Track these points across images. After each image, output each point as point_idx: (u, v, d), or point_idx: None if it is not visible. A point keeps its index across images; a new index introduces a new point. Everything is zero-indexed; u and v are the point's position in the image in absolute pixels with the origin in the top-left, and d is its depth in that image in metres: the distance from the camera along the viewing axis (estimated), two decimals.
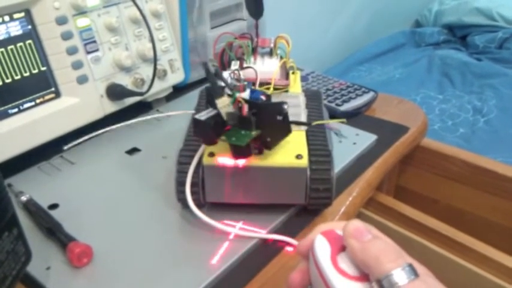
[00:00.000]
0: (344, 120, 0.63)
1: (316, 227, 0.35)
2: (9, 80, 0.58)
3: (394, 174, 0.82)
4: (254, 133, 0.46)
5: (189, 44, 0.78)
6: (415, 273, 0.28)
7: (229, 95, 0.46)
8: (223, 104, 0.45)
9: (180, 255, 0.48)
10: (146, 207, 0.54)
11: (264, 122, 0.46)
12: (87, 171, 0.62)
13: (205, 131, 0.46)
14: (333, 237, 0.33)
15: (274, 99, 0.53)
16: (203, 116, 0.46)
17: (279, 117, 0.45)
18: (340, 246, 0.32)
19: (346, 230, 0.32)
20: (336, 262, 0.31)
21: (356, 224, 0.32)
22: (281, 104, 0.45)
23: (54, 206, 0.55)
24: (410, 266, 0.29)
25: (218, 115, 0.46)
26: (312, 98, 0.62)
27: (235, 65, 0.58)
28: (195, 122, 0.46)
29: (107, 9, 0.65)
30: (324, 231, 0.34)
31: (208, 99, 0.50)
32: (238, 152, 0.47)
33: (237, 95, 0.46)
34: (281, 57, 0.61)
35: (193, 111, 0.58)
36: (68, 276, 0.46)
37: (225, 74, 0.49)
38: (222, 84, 0.47)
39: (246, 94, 0.48)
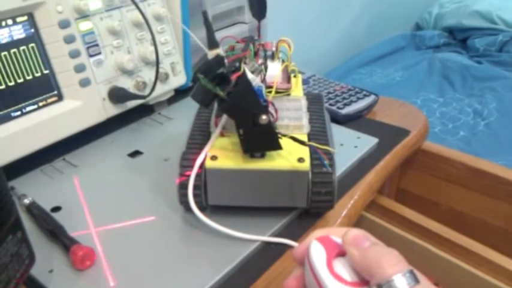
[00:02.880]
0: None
1: (311, 233, 0.35)
2: (12, 83, 0.58)
3: (395, 177, 0.82)
4: (220, 92, 0.45)
5: (190, 47, 0.78)
6: (415, 279, 0.28)
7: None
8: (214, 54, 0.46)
9: (182, 258, 0.48)
10: (148, 210, 0.55)
11: (240, 117, 0.47)
12: (89, 174, 0.62)
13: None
14: (328, 243, 0.33)
15: (276, 104, 0.53)
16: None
17: (256, 124, 0.46)
18: (335, 252, 0.32)
19: (345, 238, 0.32)
20: (332, 268, 0.31)
21: (355, 232, 0.32)
22: (259, 112, 0.46)
23: (56, 209, 0.55)
24: (412, 272, 0.29)
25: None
26: (314, 101, 0.62)
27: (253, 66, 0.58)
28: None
29: (109, 13, 0.66)
30: (319, 237, 0.33)
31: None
32: (198, 95, 0.47)
33: (244, 66, 0.46)
34: (283, 61, 0.62)
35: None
36: (71, 279, 0.46)
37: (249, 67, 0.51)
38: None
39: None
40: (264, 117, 0.46)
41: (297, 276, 0.35)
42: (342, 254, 0.32)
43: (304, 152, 0.50)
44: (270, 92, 0.57)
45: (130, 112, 0.71)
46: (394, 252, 0.30)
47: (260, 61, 0.57)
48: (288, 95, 0.60)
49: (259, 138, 0.48)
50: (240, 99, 0.46)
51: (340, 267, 0.31)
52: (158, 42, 0.71)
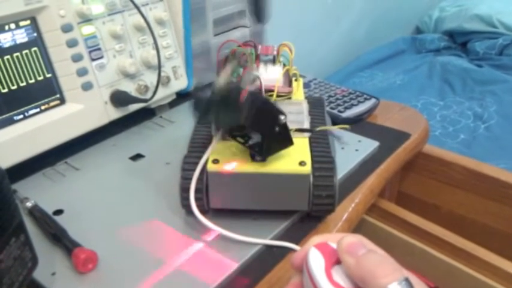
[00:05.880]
0: (347, 126, 0.63)
1: (309, 240, 0.35)
2: (14, 87, 0.59)
3: (396, 180, 0.82)
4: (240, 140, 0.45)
5: (192, 51, 0.78)
6: (410, 287, 0.28)
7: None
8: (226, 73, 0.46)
9: (184, 261, 0.48)
10: (150, 213, 0.55)
11: (260, 127, 0.47)
12: (91, 177, 0.62)
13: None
14: (327, 250, 0.33)
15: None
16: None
17: (276, 128, 0.46)
18: (334, 259, 0.32)
19: (340, 246, 0.31)
20: (331, 275, 0.31)
21: (350, 239, 0.32)
22: (277, 114, 0.46)
23: (59, 212, 0.55)
24: (407, 280, 0.28)
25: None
26: (315, 104, 0.62)
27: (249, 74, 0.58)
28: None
29: (112, 17, 0.66)
30: (317, 244, 0.33)
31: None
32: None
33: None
34: (284, 65, 0.62)
35: None
36: (73, 282, 0.46)
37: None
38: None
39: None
40: (282, 117, 0.46)
41: (295, 283, 0.34)
42: (340, 261, 0.32)
43: (306, 155, 0.50)
44: (271, 95, 0.57)
45: (132, 115, 0.71)
46: (389, 261, 0.30)
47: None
48: (289, 98, 0.60)
49: (278, 139, 0.48)
50: (259, 116, 0.46)
51: (339, 275, 0.31)
52: (160, 46, 0.71)
